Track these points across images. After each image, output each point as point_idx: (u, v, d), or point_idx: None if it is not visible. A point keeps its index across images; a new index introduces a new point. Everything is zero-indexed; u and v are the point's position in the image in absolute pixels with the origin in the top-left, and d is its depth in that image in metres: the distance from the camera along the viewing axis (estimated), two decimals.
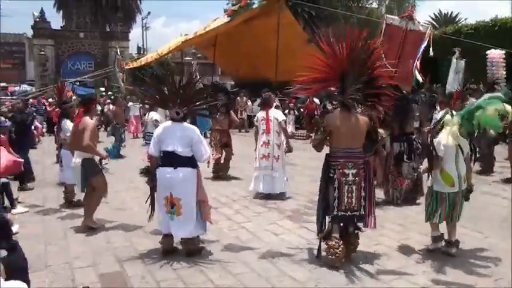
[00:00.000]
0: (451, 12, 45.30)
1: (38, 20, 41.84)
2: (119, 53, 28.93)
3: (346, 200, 5.37)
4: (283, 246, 6.00)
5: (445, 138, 5.56)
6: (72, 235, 6.60)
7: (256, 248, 5.97)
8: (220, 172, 10.71)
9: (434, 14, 46.41)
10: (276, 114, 8.87)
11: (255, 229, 6.80)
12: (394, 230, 6.71)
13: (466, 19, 39.17)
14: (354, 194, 5.39)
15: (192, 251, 5.70)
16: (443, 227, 5.85)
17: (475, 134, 5.72)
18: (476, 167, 10.86)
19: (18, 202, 8.23)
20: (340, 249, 5.29)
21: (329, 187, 5.48)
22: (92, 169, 6.90)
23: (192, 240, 5.75)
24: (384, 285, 4.87)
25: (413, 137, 8.22)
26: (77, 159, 6.92)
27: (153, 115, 11.95)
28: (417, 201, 8.10)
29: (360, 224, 5.58)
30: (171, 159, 5.63)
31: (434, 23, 44.28)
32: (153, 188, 5.88)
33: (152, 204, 5.95)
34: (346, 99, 5.49)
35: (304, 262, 5.47)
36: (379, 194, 8.43)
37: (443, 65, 18.59)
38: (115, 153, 6.95)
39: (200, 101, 6.10)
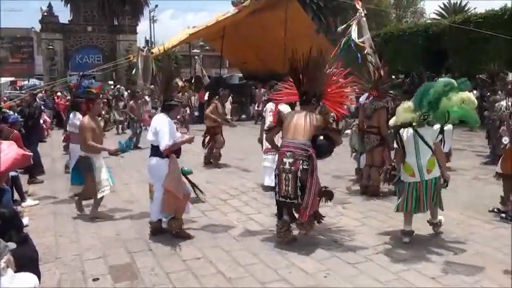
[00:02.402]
0: (460, 2, 44.84)
1: (46, 14, 41.88)
2: (143, 47, 28.75)
3: (283, 187, 5.71)
4: (292, 239, 5.98)
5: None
6: (83, 227, 6.63)
7: (265, 239, 5.98)
8: (213, 160, 11.34)
9: (444, 4, 45.97)
10: (284, 108, 8.77)
11: (263, 220, 6.80)
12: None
13: (475, 8, 38.78)
14: (290, 183, 5.64)
15: (172, 229, 6.01)
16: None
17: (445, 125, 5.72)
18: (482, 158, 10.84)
19: (28, 195, 8.30)
20: (282, 231, 5.72)
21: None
22: (85, 168, 7.08)
23: (170, 221, 6.03)
24: (394, 277, 4.84)
25: None
26: (78, 155, 7.27)
27: None
28: None
29: (296, 215, 5.82)
30: (150, 148, 6.07)
31: (444, 12, 43.94)
32: None
33: None
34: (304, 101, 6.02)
35: (313, 253, 5.46)
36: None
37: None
38: (125, 146, 6.95)
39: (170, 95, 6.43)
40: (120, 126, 19.24)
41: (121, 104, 21.27)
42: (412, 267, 5.05)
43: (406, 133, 5.61)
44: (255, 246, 5.75)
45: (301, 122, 5.76)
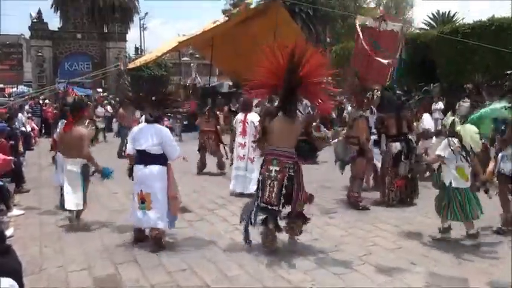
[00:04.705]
0: (449, 12, 45.26)
1: (35, 21, 41.82)
2: (127, 56, 28.83)
3: (267, 193, 5.72)
4: (278, 248, 5.97)
5: (467, 141, 5.94)
6: (68, 237, 6.57)
7: (252, 250, 5.95)
8: (221, 167, 11.42)
9: (432, 14, 46.36)
10: (253, 117, 9.07)
11: (250, 231, 6.77)
12: (389, 231, 6.71)
13: (463, 19, 39.19)
14: (274, 189, 5.70)
15: (157, 239, 6.00)
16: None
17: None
18: None
19: (14, 205, 8.22)
20: (268, 240, 5.81)
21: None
22: (88, 175, 7.15)
23: (158, 230, 6.02)
24: (379, 287, 4.87)
25: (409, 137, 8.24)
26: (73, 167, 6.99)
27: None
28: (413, 201, 8.13)
29: (280, 221, 5.96)
30: (142, 156, 6.05)
31: (432, 22, 44.31)
32: None
33: None
34: (284, 106, 5.86)
35: (299, 264, 5.46)
36: (374, 194, 8.47)
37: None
38: (109, 173, 7.13)
39: (169, 106, 6.70)
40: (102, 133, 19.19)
41: (100, 110, 21.19)
42: (397, 277, 5.07)
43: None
44: (241, 257, 5.74)
45: (285, 130, 5.82)
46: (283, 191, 5.69)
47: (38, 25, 41.78)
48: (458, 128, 5.99)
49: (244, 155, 9.09)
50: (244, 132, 9.14)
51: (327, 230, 6.81)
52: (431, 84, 17.76)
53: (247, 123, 9.09)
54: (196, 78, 29.30)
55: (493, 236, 6.37)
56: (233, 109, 21.29)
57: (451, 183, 6.01)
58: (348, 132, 8.21)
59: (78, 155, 6.92)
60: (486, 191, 6.22)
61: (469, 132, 5.91)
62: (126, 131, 15.09)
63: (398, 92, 8.67)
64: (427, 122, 10.08)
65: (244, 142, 9.09)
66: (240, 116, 9.41)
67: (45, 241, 6.42)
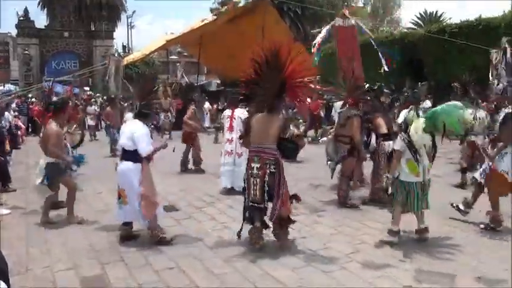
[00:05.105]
0: (436, 12, 45.57)
1: (22, 19, 41.46)
2: (116, 55, 28.56)
3: (252, 191, 5.81)
4: (267, 246, 5.95)
5: (413, 133, 5.92)
6: (54, 237, 6.50)
7: (240, 248, 5.93)
8: (194, 165, 11.66)
9: (420, 13, 46.66)
10: (240, 113, 9.11)
11: (238, 228, 6.76)
12: (378, 228, 6.72)
13: (450, 18, 39.49)
14: (257, 187, 5.75)
15: (154, 238, 6.07)
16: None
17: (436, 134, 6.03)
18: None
19: (0, 204, 8.14)
20: (254, 237, 5.79)
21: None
22: (56, 172, 7.12)
23: (153, 229, 6.10)
24: (368, 285, 4.87)
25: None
26: (41, 161, 7.25)
27: None
28: None
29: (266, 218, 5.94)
30: (122, 152, 6.23)
31: (420, 22, 44.59)
32: None
33: None
34: (266, 102, 5.93)
35: (287, 262, 5.45)
36: (363, 193, 8.49)
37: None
38: (79, 160, 7.48)
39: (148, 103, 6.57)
40: (92, 132, 19.15)
41: (91, 108, 21.06)
42: (385, 275, 5.08)
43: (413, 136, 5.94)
44: (229, 255, 5.71)
45: (266, 127, 5.85)
46: (266, 188, 5.73)
47: (24, 23, 41.43)
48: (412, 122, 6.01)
49: (231, 150, 9.14)
50: (231, 128, 9.23)
51: (316, 228, 6.81)
52: (419, 83, 17.94)
53: (235, 118, 9.17)
54: (183, 77, 29.22)
55: (481, 233, 6.41)
56: (220, 108, 21.35)
57: (399, 175, 6.03)
58: (338, 130, 8.14)
59: (46, 151, 7.10)
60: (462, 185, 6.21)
61: (415, 127, 5.92)
62: (113, 130, 15.08)
63: (386, 90, 8.64)
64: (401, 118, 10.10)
65: (232, 137, 9.14)
66: (227, 112, 9.51)
67: (31, 241, 6.36)
